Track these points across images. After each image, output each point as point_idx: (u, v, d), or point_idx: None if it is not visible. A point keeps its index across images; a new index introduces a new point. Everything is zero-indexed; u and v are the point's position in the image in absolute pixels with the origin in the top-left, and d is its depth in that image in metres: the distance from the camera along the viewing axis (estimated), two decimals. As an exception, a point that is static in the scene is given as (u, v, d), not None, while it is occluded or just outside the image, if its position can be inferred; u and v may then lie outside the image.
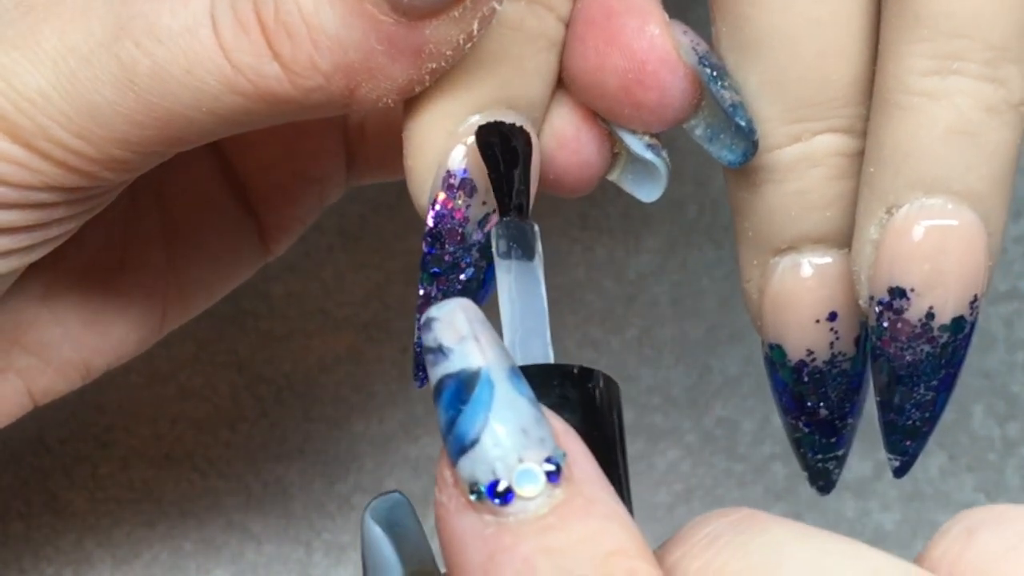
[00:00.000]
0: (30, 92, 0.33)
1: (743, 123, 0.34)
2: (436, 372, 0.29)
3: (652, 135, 0.36)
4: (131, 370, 0.49)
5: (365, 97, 0.33)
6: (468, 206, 0.34)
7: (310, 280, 0.50)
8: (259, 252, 0.42)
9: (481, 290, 0.35)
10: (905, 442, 0.36)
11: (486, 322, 0.29)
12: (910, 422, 0.35)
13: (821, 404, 0.37)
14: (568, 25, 0.35)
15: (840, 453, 0.38)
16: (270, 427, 0.48)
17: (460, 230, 0.34)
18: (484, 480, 0.28)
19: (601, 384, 0.31)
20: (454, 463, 0.28)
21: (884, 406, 0.36)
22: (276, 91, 0.33)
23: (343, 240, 0.51)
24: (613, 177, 0.36)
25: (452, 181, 0.34)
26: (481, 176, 0.34)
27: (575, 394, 0.31)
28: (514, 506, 0.28)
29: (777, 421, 0.48)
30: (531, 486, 0.28)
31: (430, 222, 0.35)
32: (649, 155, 0.36)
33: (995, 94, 0.33)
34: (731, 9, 0.35)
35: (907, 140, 0.34)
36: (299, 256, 0.50)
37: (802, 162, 0.35)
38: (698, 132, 0.35)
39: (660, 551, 0.29)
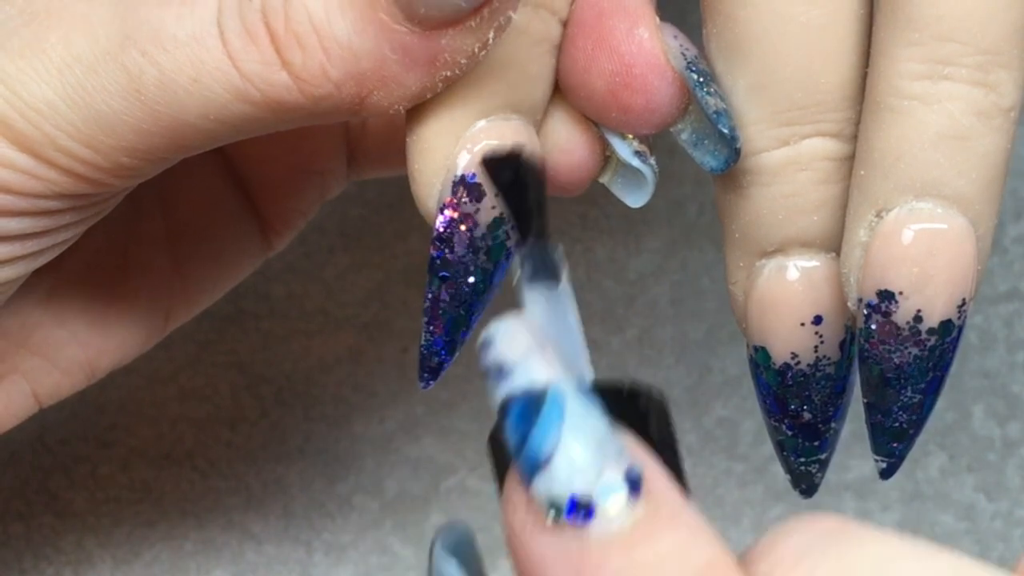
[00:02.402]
0: (36, 102, 0.33)
1: (726, 130, 0.34)
2: (499, 392, 0.27)
3: (641, 141, 0.36)
4: (132, 370, 0.49)
5: (376, 105, 0.33)
6: (477, 210, 0.34)
7: (311, 281, 0.50)
8: (261, 247, 0.42)
9: (487, 293, 0.35)
10: (892, 444, 0.36)
11: (565, 321, 0.28)
12: (897, 424, 0.36)
13: (804, 407, 0.37)
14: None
15: (823, 457, 0.38)
16: (270, 427, 0.49)
17: (469, 234, 0.34)
18: (563, 498, 0.26)
19: (656, 398, 0.30)
20: (528, 483, 0.27)
21: (871, 408, 0.36)
22: (285, 99, 0.33)
23: (344, 241, 0.51)
24: (604, 180, 0.36)
25: (461, 186, 0.34)
26: (487, 179, 0.34)
27: (634, 410, 0.29)
28: (597, 522, 0.26)
29: (777, 421, 0.49)
30: (613, 501, 0.26)
31: (439, 227, 0.34)
32: (636, 162, 0.36)
33: (986, 99, 0.33)
34: (720, 11, 0.35)
35: (898, 144, 0.34)
36: (300, 257, 0.50)
37: (789, 166, 0.35)
38: (684, 136, 0.35)
39: (744, 562, 0.28)
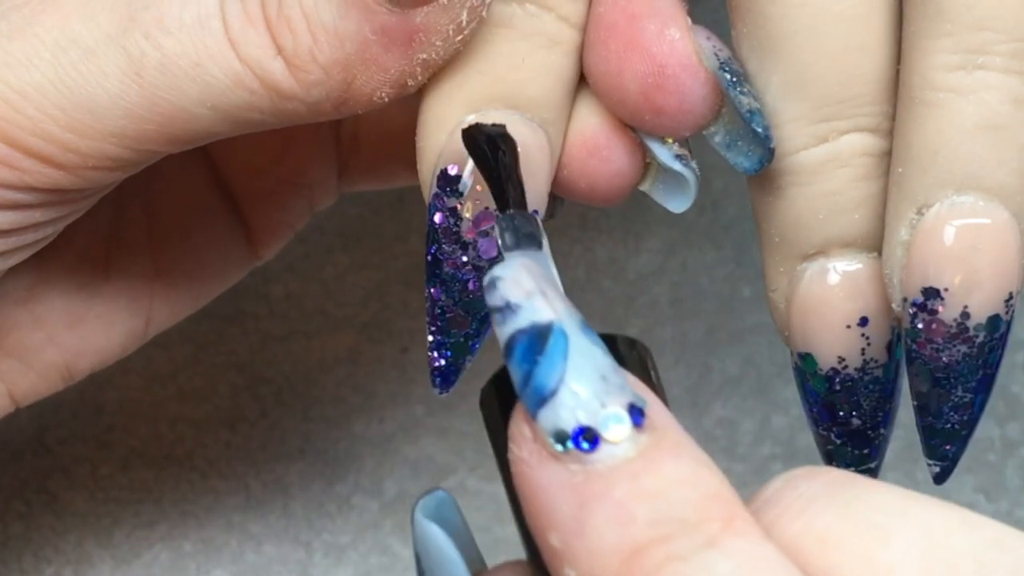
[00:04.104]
0: (23, 85, 0.33)
1: (760, 130, 0.34)
2: (505, 330, 0.28)
3: (681, 145, 0.35)
4: (131, 371, 0.49)
5: (361, 90, 0.33)
6: (460, 204, 0.34)
7: (310, 281, 0.50)
8: (247, 256, 0.42)
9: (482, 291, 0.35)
10: (945, 446, 0.35)
11: (552, 279, 0.29)
12: (949, 425, 0.35)
13: (853, 413, 0.36)
14: (589, 28, 0.35)
15: (873, 465, 0.37)
16: (270, 427, 0.48)
17: (455, 228, 0.34)
18: (568, 428, 0.27)
19: (643, 351, 0.31)
20: (533, 416, 0.27)
21: (922, 410, 0.35)
22: (281, 86, 0.33)
23: (343, 241, 0.51)
24: (644, 187, 0.36)
25: (444, 180, 0.34)
26: (470, 173, 0.34)
27: (628, 357, 0.30)
28: (602, 452, 0.27)
29: (777, 421, 0.48)
30: (618, 430, 0.27)
31: (428, 223, 0.35)
32: (677, 165, 0.35)
33: (1022, 87, 0.33)
34: (751, 9, 0.34)
35: (935, 137, 0.33)
36: (299, 257, 0.50)
37: (829, 163, 0.34)
38: (717, 139, 0.35)
39: (751, 510, 0.28)
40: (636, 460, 0.27)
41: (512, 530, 0.48)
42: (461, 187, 0.34)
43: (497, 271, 0.29)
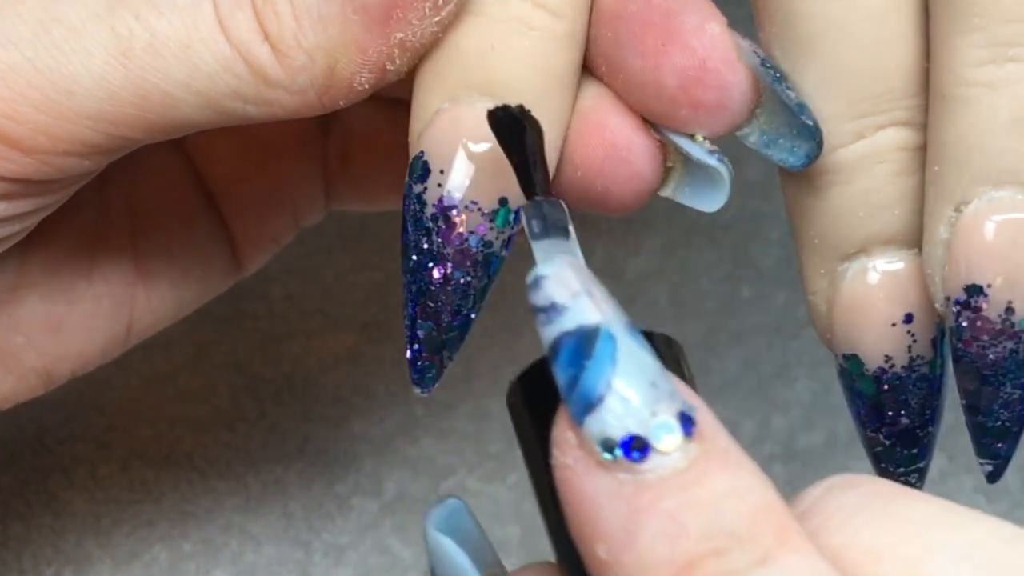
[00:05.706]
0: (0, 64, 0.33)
1: (811, 122, 0.34)
2: (550, 331, 0.27)
3: (711, 142, 0.35)
4: (130, 371, 0.49)
5: (341, 75, 0.33)
6: (424, 190, 0.34)
7: (310, 281, 0.50)
8: (230, 267, 0.42)
9: (454, 282, 0.35)
10: (996, 444, 0.35)
11: (596, 279, 0.28)
12: (999, 423, 0.35)
13: (902, 412, 0.36)
14: (619, 25, 0.34)
15: (922, 464, 0.37)
16: (269, 428, 0.48)
17: (420, 214, 0.34)
18: (617, 436, 0.26)
19: (678, 350, 0.30)
20: (579, 422, 0.27)
21: (971, 409, 0.35)
22: (268, 72, 0.33)
23: (343, 241, 0.51)
24: (667, 192, 0.35)
25: (416, 167, 0.34)
26: (433, 158, 0.34)
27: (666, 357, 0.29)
28: (652, 461, 0.26)
29: (777, 421, 0.48)
30: (669, 440, 0.26)
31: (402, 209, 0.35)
32: (712, 161, 0.34)
33: None
34: (780, 9, 0.34)
35: (969, 133, 0.33)
36: (298, 257, 0.50)
37: (867, 159, 0.34)
38: (752, 139, 0.34)
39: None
40: (687, 471, 0.26)
41: (512, 530, 0.48)
42: (423, 170, 0.34)
43: (541, 269, 0.28)
